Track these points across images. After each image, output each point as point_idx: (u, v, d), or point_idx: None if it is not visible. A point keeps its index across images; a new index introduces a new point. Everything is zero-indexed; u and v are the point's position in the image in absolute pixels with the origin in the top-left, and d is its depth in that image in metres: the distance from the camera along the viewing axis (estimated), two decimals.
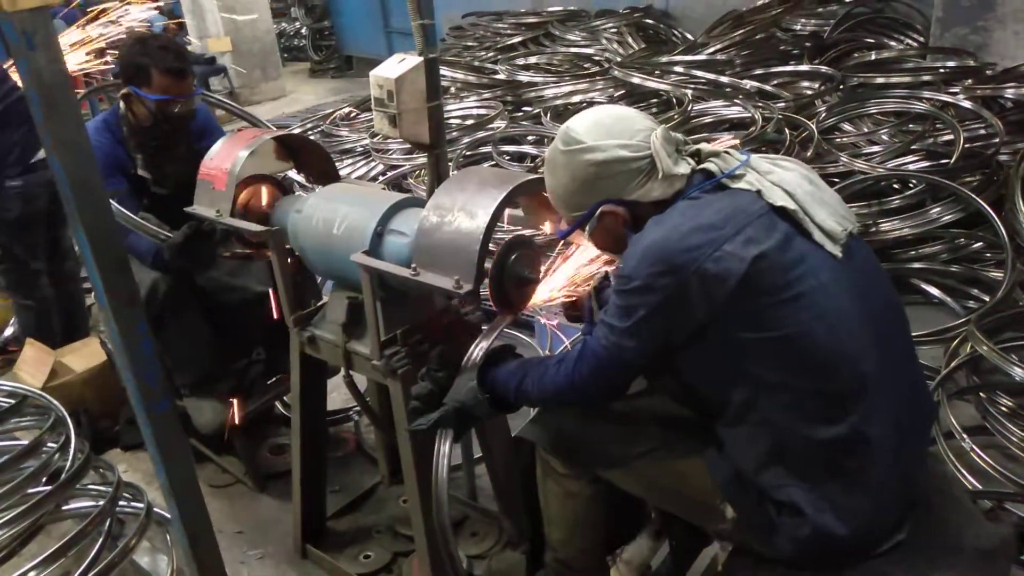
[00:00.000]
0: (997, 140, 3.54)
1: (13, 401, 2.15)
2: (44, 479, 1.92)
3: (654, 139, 1.32)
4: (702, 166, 1.36)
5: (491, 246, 1.51)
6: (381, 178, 4.37)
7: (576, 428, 1.57)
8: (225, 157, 1.99)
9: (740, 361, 1.25)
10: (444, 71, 5.78)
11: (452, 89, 5.47)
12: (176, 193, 2.17)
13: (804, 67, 4.78)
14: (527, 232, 1.81)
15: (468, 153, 4.45)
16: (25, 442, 2.01)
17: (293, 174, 2.32)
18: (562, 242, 1.67)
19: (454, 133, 4.60)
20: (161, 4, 8.62)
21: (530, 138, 4.56)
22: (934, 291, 3.26)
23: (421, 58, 1.87)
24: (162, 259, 2.18)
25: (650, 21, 6.43)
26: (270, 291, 2.19)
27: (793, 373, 1.23)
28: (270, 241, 1.91)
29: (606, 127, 1.34)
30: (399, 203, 1.77)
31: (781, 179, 1.29)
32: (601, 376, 1.37)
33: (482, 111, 4.90)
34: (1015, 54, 4.25)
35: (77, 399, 2.79)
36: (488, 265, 1.54)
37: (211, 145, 2.05)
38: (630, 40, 6.05)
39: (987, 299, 3.02)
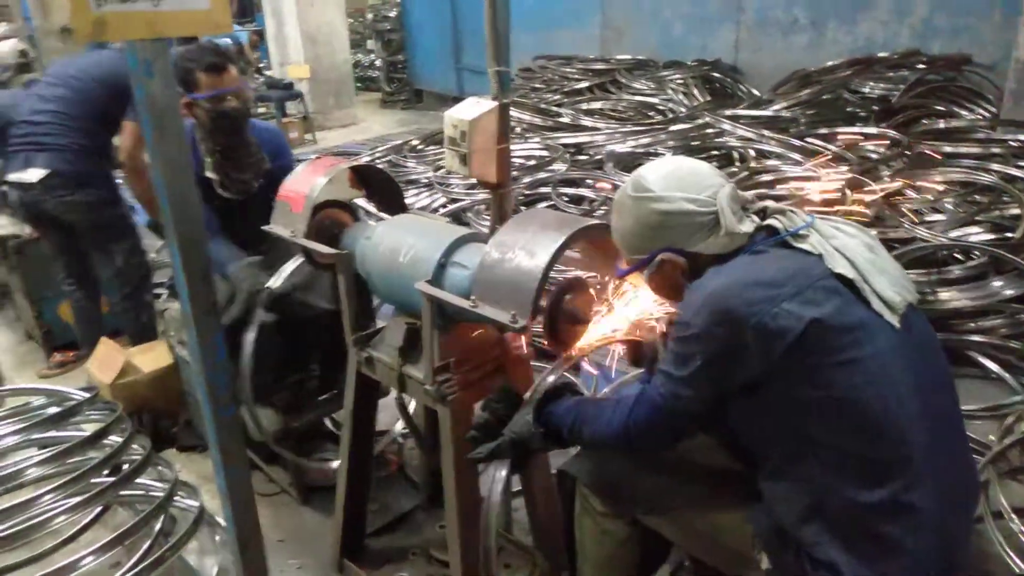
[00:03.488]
0: None
1: (85, 396, 2.29)
2: (106, 471, 2.03)
3: (721, 196, 1.37)
4: (767, 222, 1.41)
5: (548, 286, 1.58)
6: (442, 210, 4.50)
7: (620, 469, 1.60)
8: (304, 182, 2.12)
9: (789, 417, 1.28)
10: (511, 112, 5.95)
11: (517, 129, 5.61)
12: (241, 199, 2.31)
13: (871, 129, 4.77)
14: (583, 274, 1.87)
15: (527, 192, 4.56)
16: None
17: (362, 201, 2.44)
18: (620, 286, 1.73)
19: (515, 172, 4.72)
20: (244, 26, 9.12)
21: (588, 182, 4.65)
22: (992, 365, 3.18)
23: (495, 103, 1.97)
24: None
25: (717, 75, 6.51)
26: (333, 310, 2.30)
27: (840, 435, 1.24)
28: (339, 264, 2.02)
29: (677, 179, 1.40)
30: (462, 238, 1.86)
31: (843, 245, 1.32)
32: (656, 424, 1.40)
33: (544, 153, 5.01)
34: None
35: (141, 398, 2.94)
36: (543, 304, 1.61)
37: (283, 165, 2.20)
38: (696, 92, 6.14)
39: None
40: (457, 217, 4.39)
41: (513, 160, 4.93)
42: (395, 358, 1.95)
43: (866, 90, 5.52)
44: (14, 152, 3.11)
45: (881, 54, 5.64)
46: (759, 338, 1.23)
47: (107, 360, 3.03)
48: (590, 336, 1.74)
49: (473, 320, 1.73)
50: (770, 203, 1.47)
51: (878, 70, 5.55)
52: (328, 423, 2.98)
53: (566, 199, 4.45)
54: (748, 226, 1.39)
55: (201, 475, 2.70)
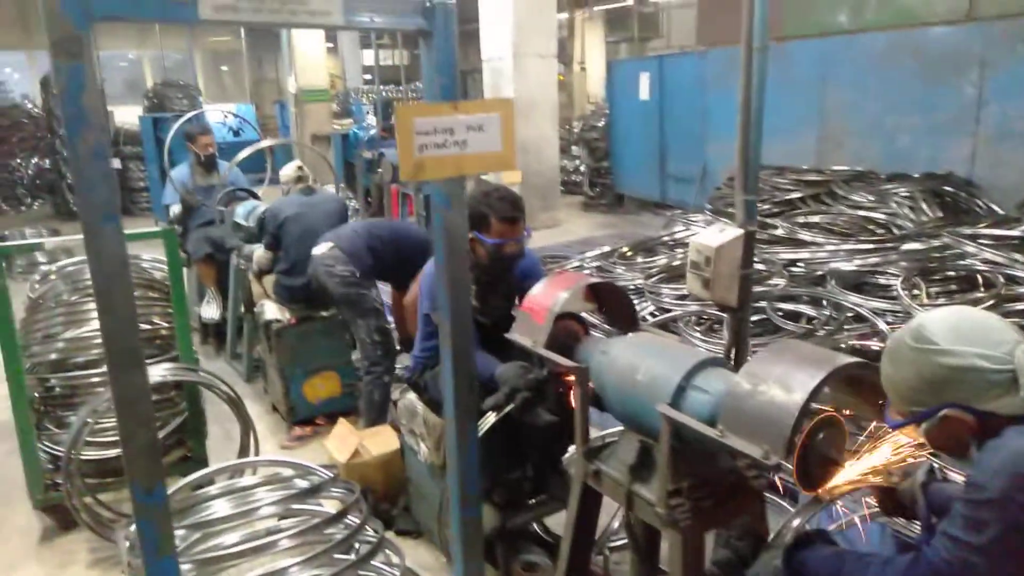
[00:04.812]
0: None
1: (329, 475, 2.53)
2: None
3: (1019, 353, 1.28)
4: None
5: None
6: (651, 319, 4.52)
7: None
8: (546, 295, 2.25)
9: None
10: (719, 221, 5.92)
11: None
12: (496, 323, 2.48)
13: None
14: (838, 412, 1.79)
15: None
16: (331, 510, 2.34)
17: (594, 316, 2.54)
18: (876, 428, 1.64)
19: None
20: None
21: (805, 298, 4.46)
22: None
23: (740, 230, 2.00)
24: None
25: (949, 188, 6.07)
26: (555, 418, 2.38)
27: None
28: (576, 376, 2.10)
29: (965, 332, 1.33)
30: (703, 361, 1.86)
31: None
32: None
33: (761, 266, 4.90)
34: None
35: (367, 479, 3.18)
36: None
37: (532, 286, 2.34)
38: (924, 207, 5.75)
39: None
40: (664, 326, 4.39)
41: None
42: (625, 475, 1.96)
43: None
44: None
45: None
46: None
47: (343, 439, 3.32)
48: (840, 477, 1.65)
49: (716, 449, 1.71)
50: None
51: None
52: (535, 526, 3.02)
53: (781, 314, 4.29)
54: None
55: (416, 561, 2.82)
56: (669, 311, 4.56)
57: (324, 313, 4.10)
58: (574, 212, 10.92)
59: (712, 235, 2.03)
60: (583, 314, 2.47)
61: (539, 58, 9.32)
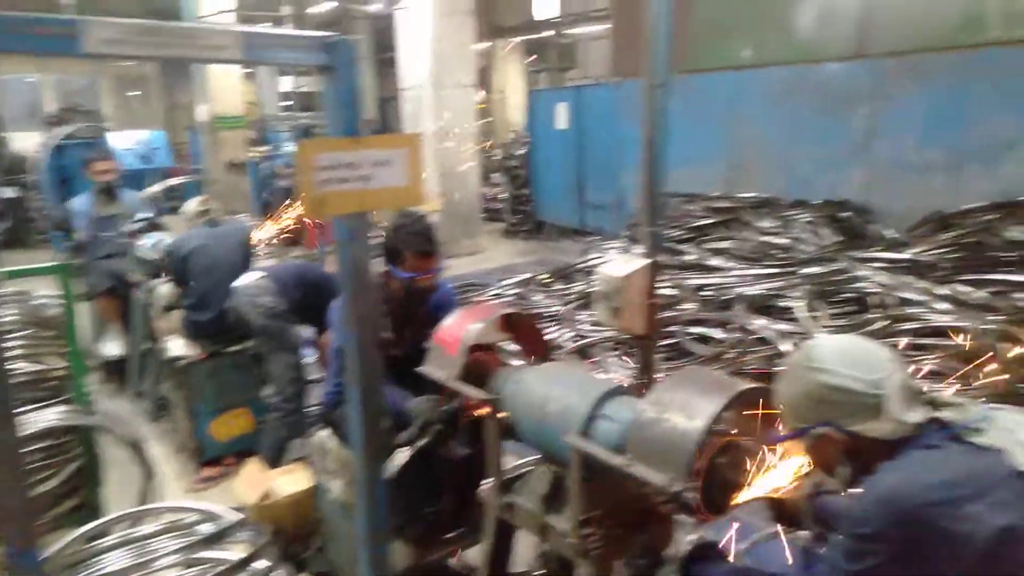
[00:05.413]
0: None
1: (236, 517, 2.42)
2: None
3: (890, 381, 1.35)
4: (937, 415, 1.36)
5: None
6: (570, 344, 4.58)
7: None
8: (459, 327, 2.25)
9: None
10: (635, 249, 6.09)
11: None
12: (411, 356, 2.45)
13: (1022, 278, 4.51)
14: (738, 436, 1.85)
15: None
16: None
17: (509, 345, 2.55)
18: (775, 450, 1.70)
19: None
20: None
21: (714, 322, 4.61)
22: None
23: (646, 260, 2.05)
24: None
25: (847, 214, 6.43)
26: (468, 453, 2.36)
27: None
28: (489, 407, 2.09)
29: (848, 357, 1.40)
30: (611, 391, 1.90)
31: None
32: None
33: (672, 291, 5.05)
34: None
35: (278, 520, 3.06)
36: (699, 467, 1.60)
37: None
38: (824, 232, 6.06)
39: None
40: (584, 353, 4.45)
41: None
42: (538, 506, 1.97)
43: (1015, 235, 5.26)
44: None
45: None
46: (943, 543, 1.18)
47: (253, 480, 3.19)
48: (740, 496, 1.70)
49: (623, 477, 1.73)
50: (942, 395, 1.43)
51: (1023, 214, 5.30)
52: (453, 561, 2.97)
53: (691, 337, 4.43)
54: (917, 416, 1.35)
55: None
56: (587, 337, 4.62)
57: (235, 348, 3.96)
58: (496, 239, 10.99)
59: (619, 265, 2.08)
60: (498, 344, 2.48)
61: (459, 87, 9.41)
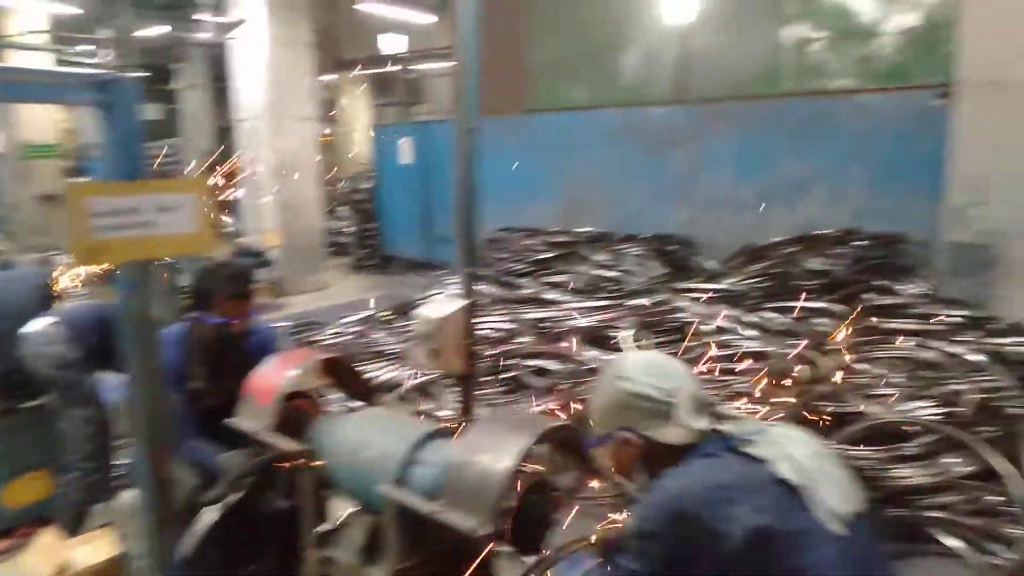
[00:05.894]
0: (1010, 393, 3.63)
1: None
2: None
3: (682, 390, 1.49)
4: (719, 427, 1.50)
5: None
6: (412, 381, 4.53)
7: None
8: (273, 375, 2.16)
9: None
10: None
11: (480, 302, 5.77)
12: (227, 407, 2.31)
13: (820, 304, 5.02)
14: (552, 473, 1.89)
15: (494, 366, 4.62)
16: None
17: (331, 391, 2.47)
18: (586, 483, 1.77)
19: (481, 346, 4.80)
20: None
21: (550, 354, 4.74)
22: (953, 542, 3.18)
23: (463, 301, 2.08)
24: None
25: (673, 248, 6.88)
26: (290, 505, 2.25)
27: None
28: (303, 458, 2.01)
29: (650, 367, 1.53)
30: (429, 434, 1.89)
31: (793, 453, 1.40)
32: None
33: (511, 325, 5.15)
34: (1019, 309, 4.46)
35: None
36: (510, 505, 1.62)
37: None
38: (653, 264, 6.46)
39: (1009, 554, 2.95)
40: (423, 388, 4.41)
41: (478, 333, 5.07)
42: (356, 558, 1.91)
43: (813, 265, 5.85)
44: None
45: (822, 231, 6.04)
46: (709, 539, 1.30)
47: (48, 551, 2.86)
48: (559, 537, 1.74)
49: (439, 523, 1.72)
50: (728, 409, 1.58)
51: (822, 246, 5.93)
52: None
53: (530, 370, 4.52)
54: (702, 424, 1.49)
55: None
56: (426, 375, 4.59)
57: (30, 403, 3.55)
58: (343, 274, 10.74)
59: (436, 307, 2.09)
60: (318, 391, 2.40)
61: (298, 120, 9.18)
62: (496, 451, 1.63)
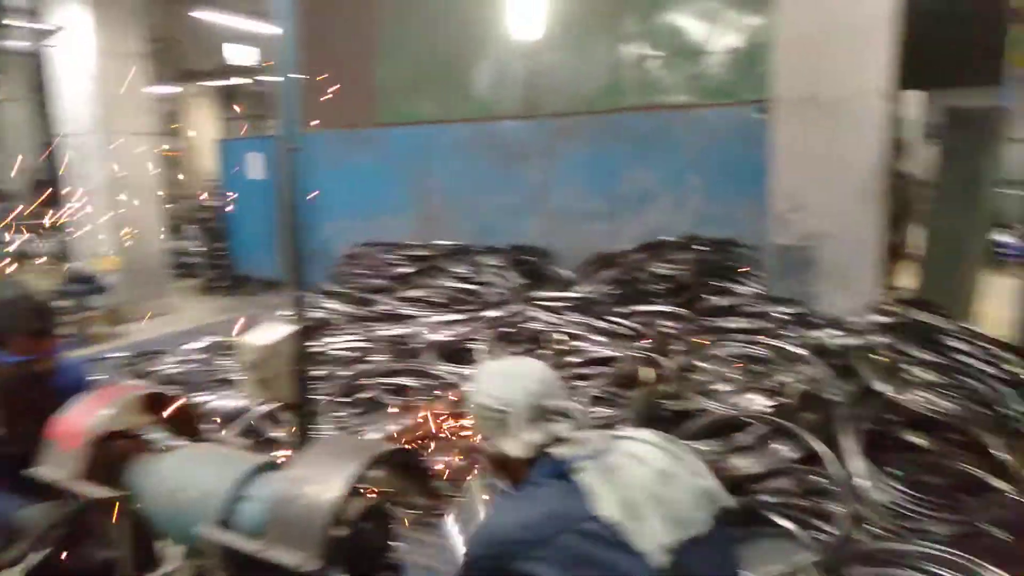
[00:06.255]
0: (828, 382, 3.97)
1: None
2: None
3: (518, 403, 1.45)
4: (551, 450, 1.45)
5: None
6: (258, 409, 4.31)
7: None
8: (82, 415, 1.97)
9: None
10: (328, 303, 6.00)
11: (334, 321, 5.63)
12: (29, 454, 2.09)
13: (662, 307, 5.29)
14: (385, 496, 1.86)
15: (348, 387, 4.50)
16: None
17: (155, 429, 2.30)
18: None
19: (333, 367, 4.67)
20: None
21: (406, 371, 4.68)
22: (785, 523, 3.43)
23: (292, 327, 2.00)
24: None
25: (530, 258, 7.02)
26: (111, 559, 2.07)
27: None
28: (118, 505, 1.86)
29: (498, 376, 1.52)
30: (258, 467, 1.79)
31: (626, 479, 1.37)
32: None
33: (366, 344, 5.04)
34: (835, 304, 4.91)
35: None
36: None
37: None
38: (511, 275, 6.55)
39: (833, 531, 3.22)
40: (273, 416, 4.22)
41: (332, 353, 4.93)
42: None
43: (658, 270, 6.16)
44: None
45: (666, 238, 6.39)
46: None
47: None
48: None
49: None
50: (566, 431, 1.48)
51: (665, 252, 6.26)
52: None
53: (383, 389, 4.45)
54: (537, 436, 1.45)
55: None
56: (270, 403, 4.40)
57: None
58: (192, 296, 10.11)
59: (263, 334, 2.00)
60: (141, 430, 2.23)
61: (133, 136, 8.56)
62: (323, 482, 1.57)
